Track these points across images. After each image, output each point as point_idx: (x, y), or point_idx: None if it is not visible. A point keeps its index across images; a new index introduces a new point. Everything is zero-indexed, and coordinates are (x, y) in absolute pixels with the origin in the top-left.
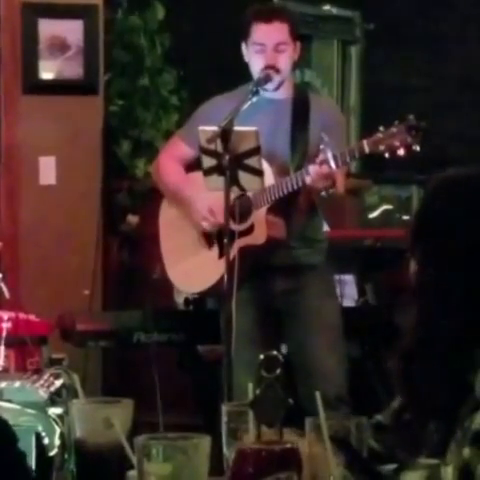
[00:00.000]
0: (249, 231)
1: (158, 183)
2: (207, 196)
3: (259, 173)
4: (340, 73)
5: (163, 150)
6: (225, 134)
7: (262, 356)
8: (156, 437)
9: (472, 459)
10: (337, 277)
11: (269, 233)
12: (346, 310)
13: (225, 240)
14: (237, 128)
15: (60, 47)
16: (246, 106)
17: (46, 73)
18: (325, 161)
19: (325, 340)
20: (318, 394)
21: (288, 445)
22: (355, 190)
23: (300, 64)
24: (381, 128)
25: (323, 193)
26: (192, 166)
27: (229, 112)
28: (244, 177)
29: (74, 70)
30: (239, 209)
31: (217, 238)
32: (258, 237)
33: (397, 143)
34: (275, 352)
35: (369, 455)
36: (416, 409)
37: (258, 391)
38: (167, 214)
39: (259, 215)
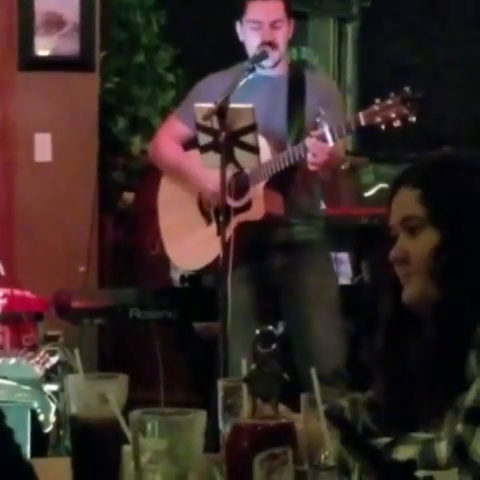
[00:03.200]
0: (247, 207)
1: (156, 162)
2: (210, 176)
3: (255, 150)
4: (336, 51)
5: (160, 130)
6: (221, 111)
7: (257, 331)
8: (151, 412)
9: (466, 434)
10: (333, 255)
11: (267, 209)
12: (342, 288)
13: (221, 217)
14: (233, 105)
15: (56, 23)
16: (242, 83)
17: (42, 50)
18: (322, 135)
19: (324, 316)
20: (313, 370)
21: (283, 420)
22: (351, 168)
23: (297, 42)
24: (377, 100)
25: (321, 167)
26: (189, 145)
27: (225, 89)
28: (240, 154)
29: (70, 47)
30: (237, 185)
31: (215, 215)
32: (256, 213)
33: (393, 115)
34: (271, 327)
35: (363, 431)
36: (408, 389)
37: (253, 366)
38: (166, 191)
39: (257, 191)
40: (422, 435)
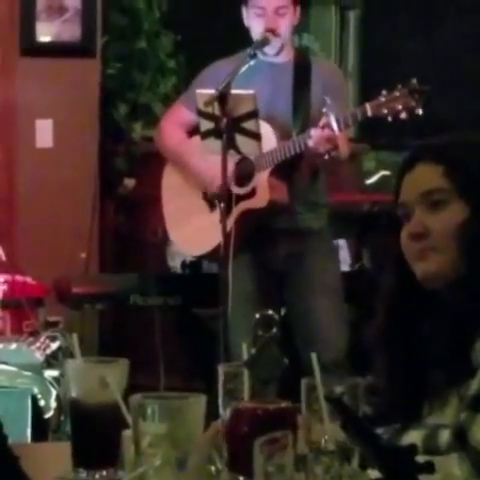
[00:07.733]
0: (251, 194)
1: (160, 149)
2: (211, 165)
3: (256, 136)
4: (338, 38)
5: (165, 116)
6: (222, 97)
7: (258, 315)
8: (151, 396)
9: (466, 421)
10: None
11: (271, 196)
12: (342, 275)
13: (222, 204)
14: (235, 91)
15: (58, 9)
16: (244, 69)
17: (43, 35)
18: (328, 125)
19: (326, 304)
20: (314, 355)
21: (283, 404)
22: (353, 155)
23: (298, 28)
24: (384, 92)
25: (325, 157)
26: (194, 131)
27: (226, 75)
28: (241, 140)
29: (71, 33)
30: (241, 172)
31: (219, 201)
32: (260, 200)
33: (400, 106)
34: (270, 311)
35: (363, 416)
36: (411, 371)
37: (253, 350)
38: (170, 177)
39: (261, 178)
40: (432, 421)
